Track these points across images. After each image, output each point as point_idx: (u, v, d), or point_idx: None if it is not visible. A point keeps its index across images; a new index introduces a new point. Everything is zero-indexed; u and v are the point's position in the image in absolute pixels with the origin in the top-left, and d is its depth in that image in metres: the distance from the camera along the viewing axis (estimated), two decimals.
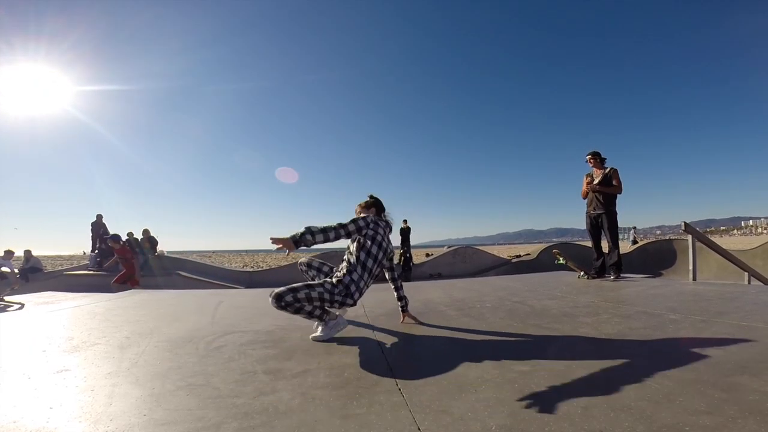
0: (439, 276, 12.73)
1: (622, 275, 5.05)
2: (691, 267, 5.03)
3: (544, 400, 1.43)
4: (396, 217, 2.80)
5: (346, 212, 2.57)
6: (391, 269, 2.82)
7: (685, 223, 5.34)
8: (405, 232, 15.47)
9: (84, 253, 12.05)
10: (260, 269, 15.78)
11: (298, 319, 2.47)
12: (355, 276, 2.42)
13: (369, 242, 2.46)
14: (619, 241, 5.07)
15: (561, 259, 5.94)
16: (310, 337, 2.44)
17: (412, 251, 16.10)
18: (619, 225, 5.11)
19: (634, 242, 20.29)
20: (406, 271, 13.17)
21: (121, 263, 8.60)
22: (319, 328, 2.45)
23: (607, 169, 5.08)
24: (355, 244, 2.50)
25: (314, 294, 2.27)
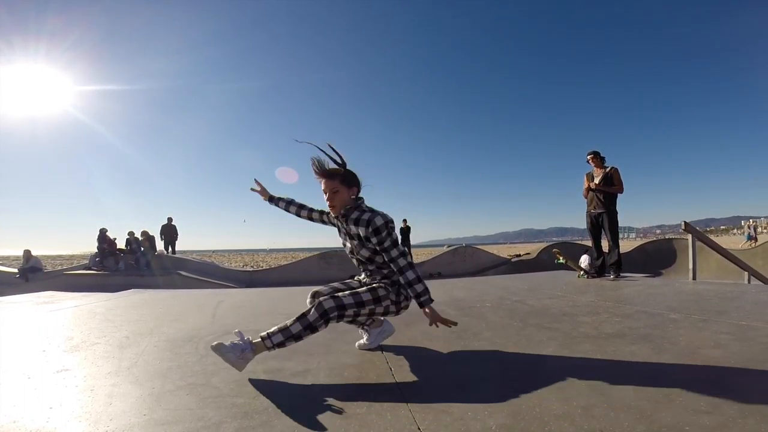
0: (439, 275, 12.74)
1: (622, 275, 5.06)
2: (691, 266, 5.03)
3: (544, 400, 1.43)
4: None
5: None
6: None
7: (685, 222, 5.34)
8: (405, 232, 15.47)
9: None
10: (260, 269, 15.80)
11: None
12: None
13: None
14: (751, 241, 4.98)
15: (561, 258, 5.94)
16: (357, 345, 2.20)
17: (413, 251, 16.12)
18: (620, 224, 5.12)
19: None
20: None
21: None
22: (365, 336, 2.20)
23: (608, 168, 5.09)
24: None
25: (379, 309, 1.89)
